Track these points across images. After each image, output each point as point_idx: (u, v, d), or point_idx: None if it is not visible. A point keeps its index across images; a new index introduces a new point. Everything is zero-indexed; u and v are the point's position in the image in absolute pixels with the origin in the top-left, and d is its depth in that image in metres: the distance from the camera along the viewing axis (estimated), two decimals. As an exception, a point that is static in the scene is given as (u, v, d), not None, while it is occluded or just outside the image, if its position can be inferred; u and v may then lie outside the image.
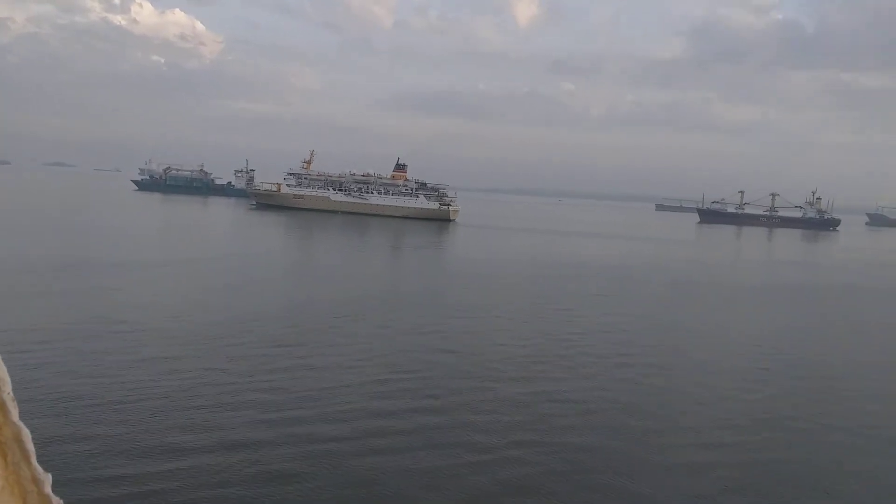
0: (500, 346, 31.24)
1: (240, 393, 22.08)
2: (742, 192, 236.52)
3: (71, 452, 16.71)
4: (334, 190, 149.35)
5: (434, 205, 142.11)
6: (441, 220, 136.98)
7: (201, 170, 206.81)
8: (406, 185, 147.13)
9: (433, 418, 21.08)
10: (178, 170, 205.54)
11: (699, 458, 19.42)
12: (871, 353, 35.13)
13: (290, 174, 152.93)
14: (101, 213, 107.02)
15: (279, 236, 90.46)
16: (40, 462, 1.91)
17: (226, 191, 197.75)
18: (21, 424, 1.82)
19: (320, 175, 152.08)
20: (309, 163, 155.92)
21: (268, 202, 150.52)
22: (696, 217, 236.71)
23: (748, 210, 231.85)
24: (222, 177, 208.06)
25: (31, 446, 1.83)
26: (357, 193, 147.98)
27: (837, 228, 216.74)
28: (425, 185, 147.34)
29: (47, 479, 1.87)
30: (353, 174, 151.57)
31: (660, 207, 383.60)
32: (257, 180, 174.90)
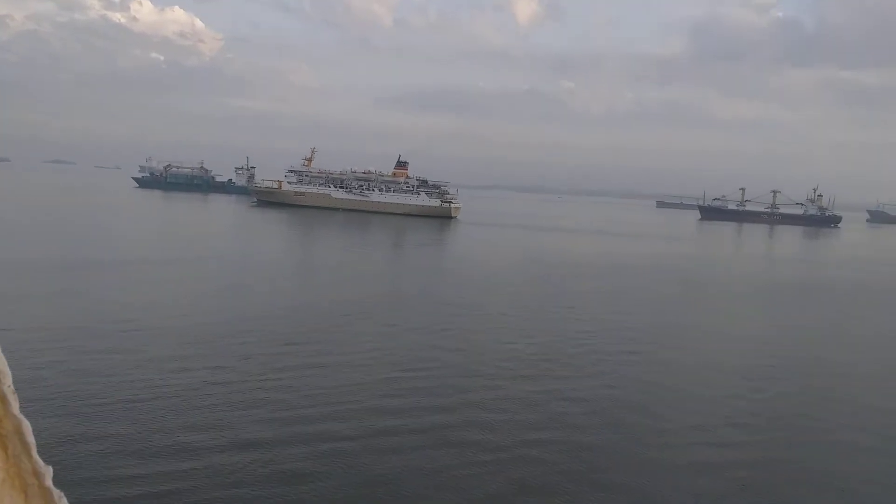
0: (507, 344, 31.17)
1: (250, 392, 22.03)
2: (743, 189, 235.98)
3: (84, 452, 16.66)
4: (336, 187, 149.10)
5: (436, 202, 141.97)
6: (443, 217, 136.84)
7: (202, 167, 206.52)
8: (407, 183, 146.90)
9: (443, 417, 21.04)
10: (178, 167, 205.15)
11: (710, 458, 19.41)
12: (878, 351, 35.05)
13: (292, 171, 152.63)
14: (103, 211, 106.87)
15: (282, 234, 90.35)
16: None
17: (226, 188, 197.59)
18: (22, 417, 1.81)
19: (321, 172, 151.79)
20: (310, 160, 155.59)
21: (269, 199, 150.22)
22: (697, 214, 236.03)
23: (749, 207, 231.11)
24: (222, 174, 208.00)
25: (31, 439, 1.83)
26: (358, 191, 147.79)
27: (839, 225, 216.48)
28: (427, 182, 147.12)
29: (48, 472, 1.87)
30: (355, 171, 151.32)
31: (660, 205, 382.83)
32: (257, 178, 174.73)
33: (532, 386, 24.79)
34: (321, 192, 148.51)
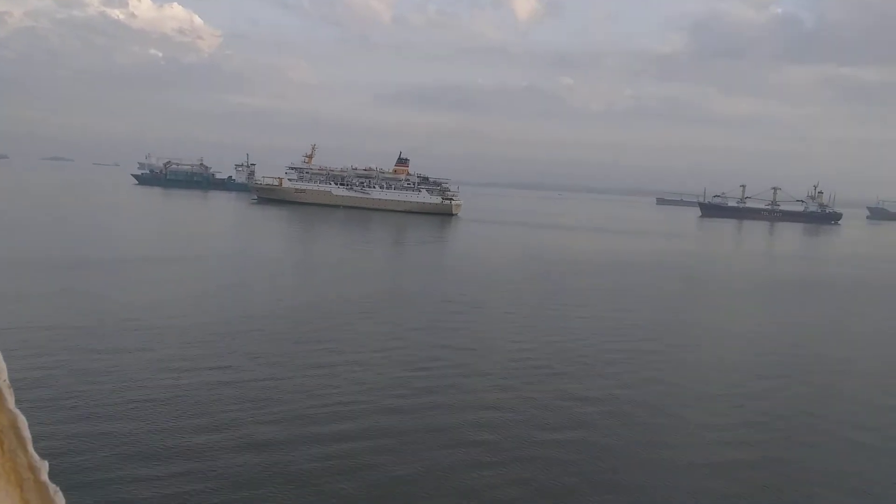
0: (513, 342, 31.12)
1: (258, 391, 21.92)
2: (744, 186, 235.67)
3: (92, 452, 16.53)
4: (336, 184, 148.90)
5: (436, 199, 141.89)
6: (443, 214, 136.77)
7: (201, 164, 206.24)
8: (408, 180, 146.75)
9: (452, 417, 20.93)
10: (178, 164, 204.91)
11: (721, 457, 19.28)
12: (879, 348, 35.03)
13: (292, 168, 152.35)
14: (103, 209, 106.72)
15: (282, 231, 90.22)
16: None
17: (226, 185, 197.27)
18: (17, 412, 1.82)
19: (322, 169, 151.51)
20: (310, 157, 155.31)
21: (269, 196, 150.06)
22: (697, 211, 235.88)
23: (750, 204, 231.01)
24: (221, 171, 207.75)
25: (27, 433, 1.84)
26: (359, 188, 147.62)
27: (839, 222, 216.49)
28: (427, 179, 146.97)
29: (44, 467, 1.88)
30: (355, 168, 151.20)
31: (660, 201, 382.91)
32: (257, 175, 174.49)
33: (541, 385, 24.69)
34: (322, 189, 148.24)
